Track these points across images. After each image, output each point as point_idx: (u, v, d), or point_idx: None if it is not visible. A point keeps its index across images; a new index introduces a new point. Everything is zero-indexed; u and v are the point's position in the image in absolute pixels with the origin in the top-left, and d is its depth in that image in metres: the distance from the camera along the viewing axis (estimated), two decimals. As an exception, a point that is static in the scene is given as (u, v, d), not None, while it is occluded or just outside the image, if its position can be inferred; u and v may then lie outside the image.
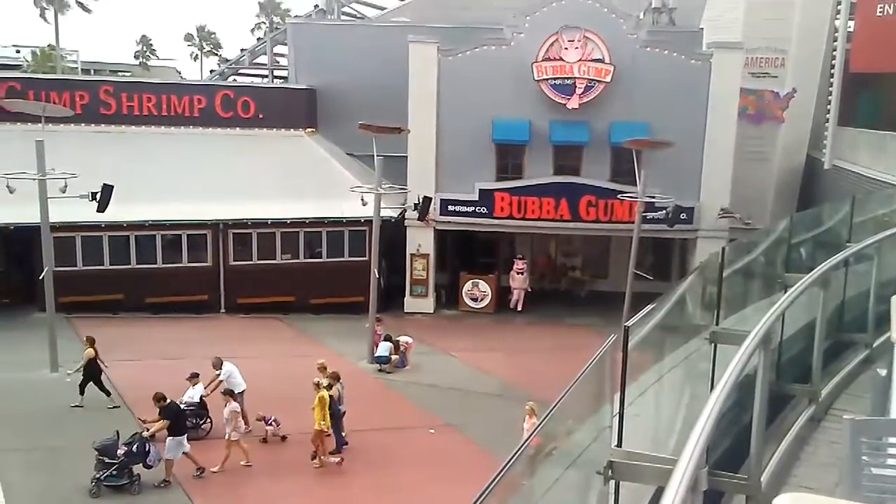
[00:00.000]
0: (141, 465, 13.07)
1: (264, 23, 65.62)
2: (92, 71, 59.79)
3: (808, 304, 6.68)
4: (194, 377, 15.38)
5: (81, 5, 56.68)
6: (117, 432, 13.17)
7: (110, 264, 24.30)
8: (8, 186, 17.77)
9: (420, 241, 26.96)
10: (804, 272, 6.44)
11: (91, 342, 16.85)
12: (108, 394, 16.60)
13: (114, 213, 20.53)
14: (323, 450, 14.44)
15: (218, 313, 25.34)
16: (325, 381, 15.00)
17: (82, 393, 16.37)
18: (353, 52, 29.81)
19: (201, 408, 15.23)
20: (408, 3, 36.25)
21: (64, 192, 18.13)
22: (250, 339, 22.73)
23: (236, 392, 15.44)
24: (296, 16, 39.10)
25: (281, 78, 37.50)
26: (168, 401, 13.79)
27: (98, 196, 19.04)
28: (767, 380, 4.74)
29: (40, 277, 19.20)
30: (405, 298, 27.21)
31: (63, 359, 18.77)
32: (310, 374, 15.74)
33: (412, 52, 26.27)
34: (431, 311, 27.07)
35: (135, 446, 12.97)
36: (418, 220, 25.83)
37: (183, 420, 14.01)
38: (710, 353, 5.36)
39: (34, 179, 18.06)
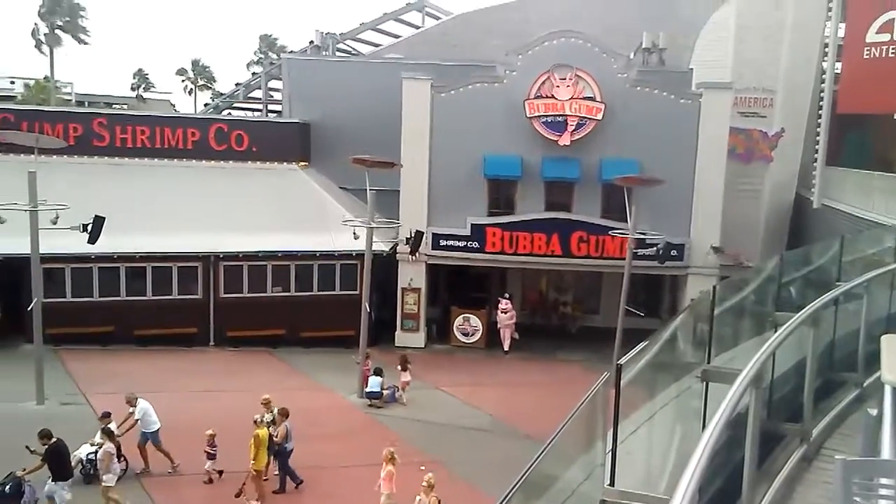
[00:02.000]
0: None
1: (263, 57, 66.22)
2: (86, 103, 60.12)
3: (799, 342, 6.71)
4: (106, 417, 14.64)
5: (78, 38, 57.06)
6: None
7: (100, 296, 24.14)
8: (-1, 217, 17.74)
9: (411, 275, 26.95)
10: (794, 311, 6.48)
11: None
12: None
13: (104, 245, 20.47)
14: (249, 489, 14.00)
15: (207, 346, 25.15)
16: (268, 418, 14.75)
17: None
18: (347, 88, 30.12)
19: (116, 448, 14.44)
20: (401, 40, 36.78)
21: (55, 223, 18.10)
22: (238, 373, 22.56)
23: (151, 431, 15.08)
24: (291, 51, 39.51)
25: (275, 112, 37.81)
26: (54, 439, 12.91)
27: (89, 228, 19.01)
28: (759, 419, 4.74)
29: (29, 309, 19.05)
30: (396, 333, 27.10)
31: (49, 391, 18.57)
32: (296, 410, 15.56)
33: (406, 89, 26.54)
34: (422, 346, 26.95)
35: (7, 486, 12.28)
36: (410, 254, 25.86)
37: (66, 463, 13.10)
38: (702, 392, 5.37)
39: (26, 210, 18.01)
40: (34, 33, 56.98)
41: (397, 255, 26.66)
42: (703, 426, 4.69)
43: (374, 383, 20.53)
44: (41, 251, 18.70)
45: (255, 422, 14.28)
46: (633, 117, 25.81)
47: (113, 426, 14.45)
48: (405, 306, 27.12)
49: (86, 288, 23.98)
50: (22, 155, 22.35)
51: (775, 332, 6.06)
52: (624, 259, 23.19)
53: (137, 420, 15.07)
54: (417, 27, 38.18)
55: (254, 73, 53.64)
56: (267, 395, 15.78)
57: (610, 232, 25.05)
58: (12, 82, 73.67)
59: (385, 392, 20.56)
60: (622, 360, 4.00)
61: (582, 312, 29.70)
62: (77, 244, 19.97)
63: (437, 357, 26.28)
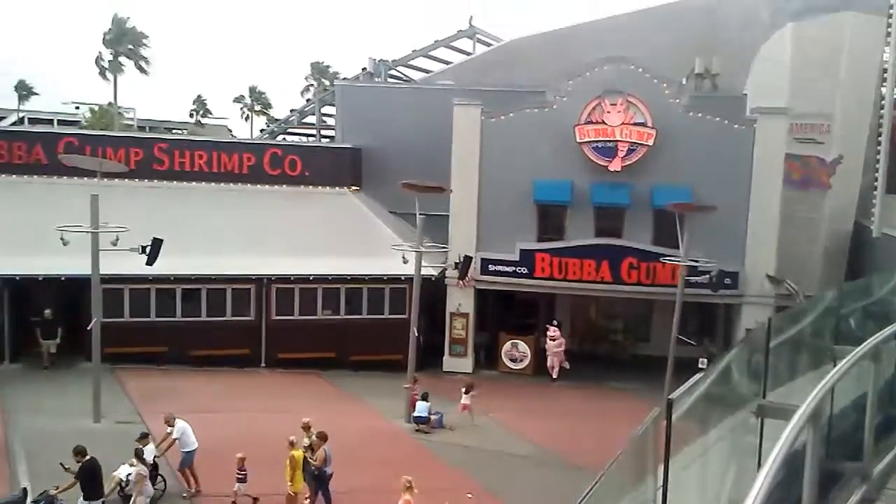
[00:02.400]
0: None
1: (312, 85, 67.60)
2: (147, 128, 62.15)
3: (859, 377, 6.51)
4: (144, 437, 14.78)
5: (140, 67, 59.09)
6: (24, 489, 12.53)
7: (156, 316, 24.72)
8: (62, 238, 18.32)
9: (460, 300, 26.97)
10: (854, 344, 6.30)
11: None
12: None
13: (162, 267, 20.94)
14: None
15: (258, 368, 25.49)
16: (306, 441, 14.74)
17: None
18: (398, 114, 30.53)
19: (153, 469, 14.68)
20: (452, 66, 37.16)
21: (115, 244, 18.62)
22: (288, 395, 22.79)
23: (188, 451, 15.22)
24: (344, 78, 40.28)
25: (328, 137, 38.49)
26: (88, 457, 13.01)
27: (147, 250, 19.52)
28: (817, 457, 4.61)
29: (88, 328, 19.61)
30: (444, 357, 27.10)
31: (106, 409, 19.02)
32: (343, 434, 15.57)
33: (456, 114, 26.79)
34: (470, 371, 26.85)
35: None
36: (458, 279, 25.91)
37: (98, 482, 13.11)
38: (757, 427, 5.24)
39: (88, 232, 18.61)
40: (98, 60, 59.13)
41: (446, 279, 26.72)
42: (759, 464, 4.58)
43: (421, 408, 20.52)
44: (101, 272, 19.26)
45: (291, 443, 14.33)
46: (686, 143, 25.55)
47: (150, 447, 14.67)
48: (453, 331, 27.13)
49: (143, 308, 24.56)
50: (86, 178, 23.11)
51: (834, 365, 5.89)
52: (675, 287, 22.83)
53: (176, 440, 15.27)
54: (468, 54, 38.54)
55: (308, 100, 54.76)
56: (307, 418, 15.79)
57: (661, 259, 24.70)
58: (77, 108, 76.49)
59: (432, 417, 20.53)
60: (673, 395, 3.95)
61: (632, 340, 29.28)
62: (136, 266, 20.51)
63: (485, 383, 26.02)
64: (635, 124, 25.73)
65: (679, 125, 25.71)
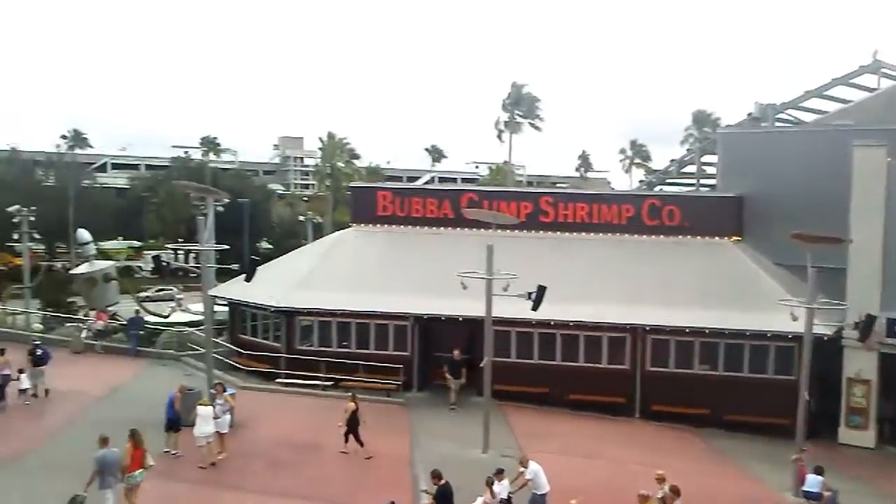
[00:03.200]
0: None
1: (692, 134, 66.77)
2: (535, 183, 67.25)
3: None
4: (500, 473, 15.40)
5: (533, 125, 64.53)
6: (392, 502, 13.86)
7: (538, 359, 26.35)
8: (462, 283, 20.76)
9: (860, 364, 24.03)
10: None
11: (353, 398, 19.98)
12: (361, 444, 19.52)
13: (544, 312, 22.32)
14: None
15: (632, 418, 25.52)
16: (659, 493, 14.15)
17: (347, 441, 19.60)
18: (786, 159, 28.63)
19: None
20: (852, 105, 33.71)
21: (506, 290, 20.48)
22: (656, 449, 22.30)
23: (539, 493, 15.51)
24: (727, 125, 39.04)
25: (707, 186, 37.53)
26: (443, 481, 14.12)
27: (533, 296, 21.07)
28: None
29: (480, 365, 21.76)
30: (839, 428, 24.28)
31: (493, 441, 20.72)
32: (715, 496, 14.82)
33: (857, 157, 24.31)
34: (872, 447, 23.64)
35: None
36: (858, 340, 23.08)
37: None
38: None
39: (483, 279, 20.77)
40: (496, 124, 66.04)
41: (843, 340, 24.06)
42: None
43: (812, 482, 18.48)
44: (493, 315, 21.26)
45: (644, 497, 14.10)
46: None
47: (505, 483, 15.46)
48: (851, 399, 24.25)
49: (527, 350, 26.38)
50: (482, 230, 25.77)
51: None
52: None
53: (529, 480, 15.88)
54: (871, 90, 34.64)
55: (688, 149, 54.12)
56: (661, 470, 15.44)
57: None
58: (476, 167, 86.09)
59: (825, 494, 18.41)
60: None
61: None
62: (521, 310, 22.15)
63: (891, 462, 22.75)
64: None
65: None
